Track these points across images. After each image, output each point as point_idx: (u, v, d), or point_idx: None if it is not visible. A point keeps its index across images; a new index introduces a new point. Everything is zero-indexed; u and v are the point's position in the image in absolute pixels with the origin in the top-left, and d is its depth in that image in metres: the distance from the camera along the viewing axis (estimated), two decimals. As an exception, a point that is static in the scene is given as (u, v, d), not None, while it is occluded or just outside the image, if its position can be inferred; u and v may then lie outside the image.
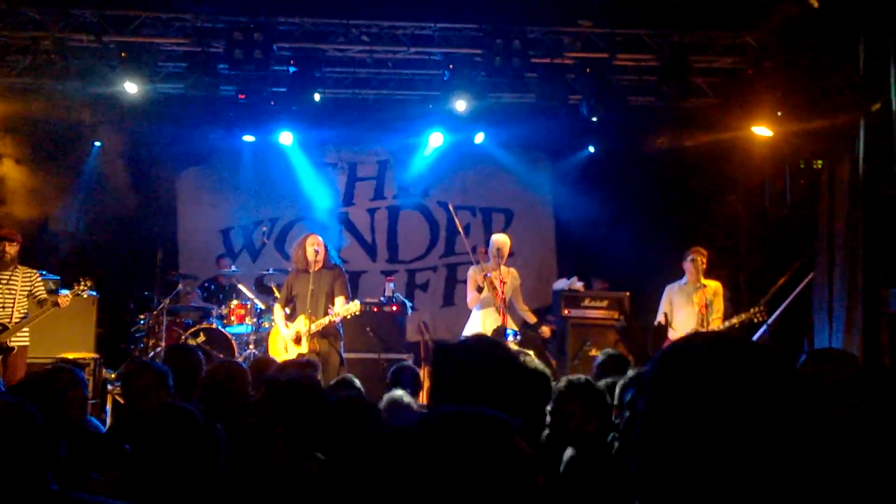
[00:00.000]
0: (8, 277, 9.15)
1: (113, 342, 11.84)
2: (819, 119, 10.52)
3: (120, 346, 11.85)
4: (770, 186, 12.36)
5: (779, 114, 11.01)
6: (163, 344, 11.13)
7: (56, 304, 9.16)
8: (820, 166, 11.49)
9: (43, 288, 9.42)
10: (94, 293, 10.74)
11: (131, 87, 10.82)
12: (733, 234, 12.47)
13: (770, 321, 10.06)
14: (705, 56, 11.10)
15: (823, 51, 10.10)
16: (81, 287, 9.64)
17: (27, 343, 9.28)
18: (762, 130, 11.15)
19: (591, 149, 12.99)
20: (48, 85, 10.91)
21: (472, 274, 9.96)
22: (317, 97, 11.10)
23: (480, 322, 9.76)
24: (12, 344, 9.05)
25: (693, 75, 11.14)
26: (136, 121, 11.98)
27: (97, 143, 12.63)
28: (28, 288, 9.26)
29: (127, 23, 10.51)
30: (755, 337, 10.40)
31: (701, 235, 11.26)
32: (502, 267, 9.76)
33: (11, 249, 9.17)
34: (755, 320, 9.77)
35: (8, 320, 9.06)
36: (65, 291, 9.83)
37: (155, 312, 11.37)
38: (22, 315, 9.16)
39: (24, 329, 9.20)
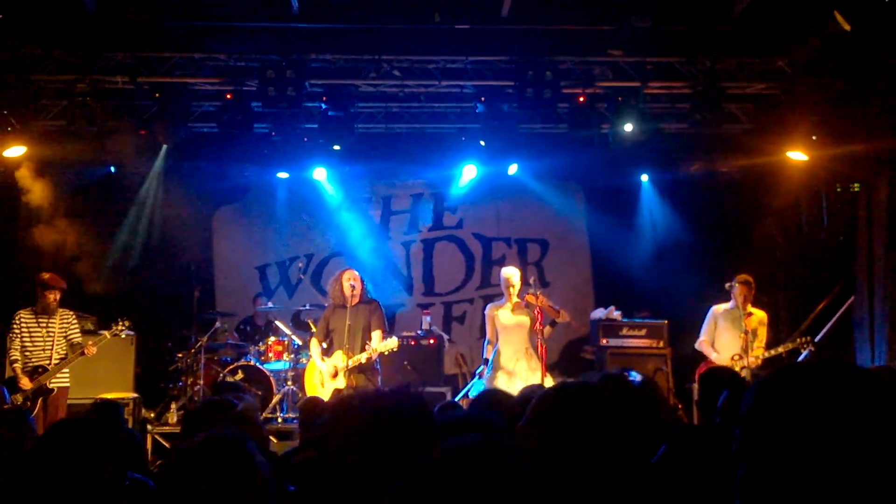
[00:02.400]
0: (47, 321, 9.28)
1: (152, 381, 11.89)
2: (854, 142, 10.45)
3: (159, 385, 11.87)
4: (807, 211, 12.29)
5: (814, 138, 10.93)
6: (201, 382, 11.17)
7: (82, 353, 9.25)
8: (857, 189, 11.39)
9: (78, 330, 9.55)
10: (132, 332, 10.80)
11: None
12: (771, 258, 12.36)
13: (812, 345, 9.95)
14: (738, 82, 11.02)
15: (857, 73, 10.03)
16: (119, 327, 9.76)
17: (67, 384, 9.39)
18: (797, 155, 11.07)
19: (645, 177, 12.79)
20: (83, 128, 11.03)
21: (490, 312, 9.73)
22: (336, 147, 11.17)
23: (501, 356, 9.52)
24: (52, 385, 9.16)
25: (726, 101, 11.07)
26: (171, 161, 12.08)
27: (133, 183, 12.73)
28: (65, 330, 9.39)
29: (160, 64, 10.61)
30: (798, 360, 10.29)
31: (738, 261, 11.16)
32: (515, 299, 9.54)
33: (54, 296, 9.33)
34: (801, 350, 9.68)
35: (47, 362, 9.17)
36: (102, 332, 9.91)
37: (193, 351, 11.40)
38: (61, 357, 9.24)
39: (64, 370, 9.27)
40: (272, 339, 11.63)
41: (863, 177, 11.14)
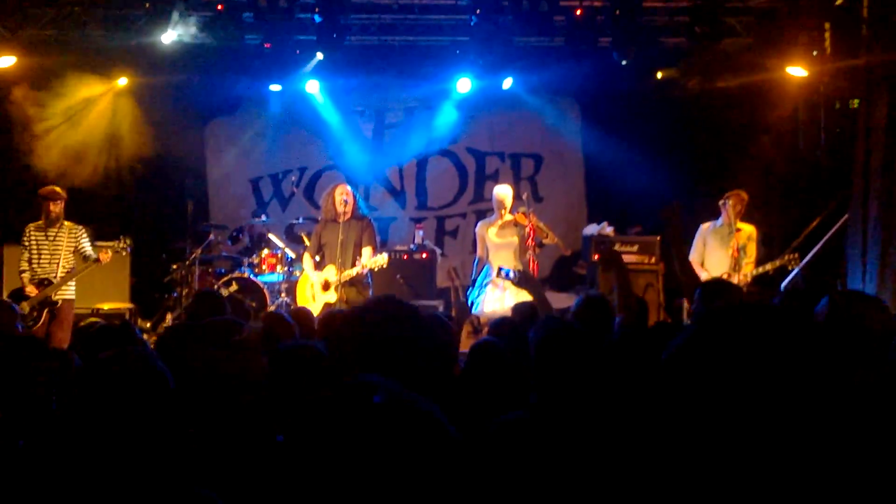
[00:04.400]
0: (54, 234, 9.39)
1: (147, 292, 12.04)
2: (855, 58, 10.32)
3: (154, 295, 12.02)
4: (804, 128, 12.19)
5: (814, 53, 10.79)
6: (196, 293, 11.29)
7: (97, 260, 9.36)
8: (856, 106, 11.29)
9: (89, 243, 9.62)
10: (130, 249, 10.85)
11: (170, 36, 10.88)
12: (766, 176, 12.30)
13: (802, 265, 9.97)
14: (739, -6, 10.87)
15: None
16: (121, 244, 9.85)
17: (73, 297, 9.53)
18: (797, 71, 10.94)
19: (659, 73, 12.41)
20: (72, 37, 10.92)
21: (480, 230, 9.80)
22: (319, 55, 10.97)
23: (491, 273, 9.56)
24: (56, 298, 9.30)
25: (726, 15, 10.92)
26: (162, 71, 11.95)
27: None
28: (74, 244, 9.48)
29: (152, -28, 10.45)
30: (786, 281, 10.33)
31: (733, 178, 11.12)
32: (507, 217, 9.58)
33: (56, 208, 9.38)
34: (789, 267, 9.72)
35: (53, 275, 9.31)
36: (102, 244, 9.98)
37: (187, 262, 11.49)
38: (67, 270, 9.39)
39: (70, 283, 9.42)
40: (266, 251, 11.67)
41: (862, 93, 11.01)
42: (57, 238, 9.37)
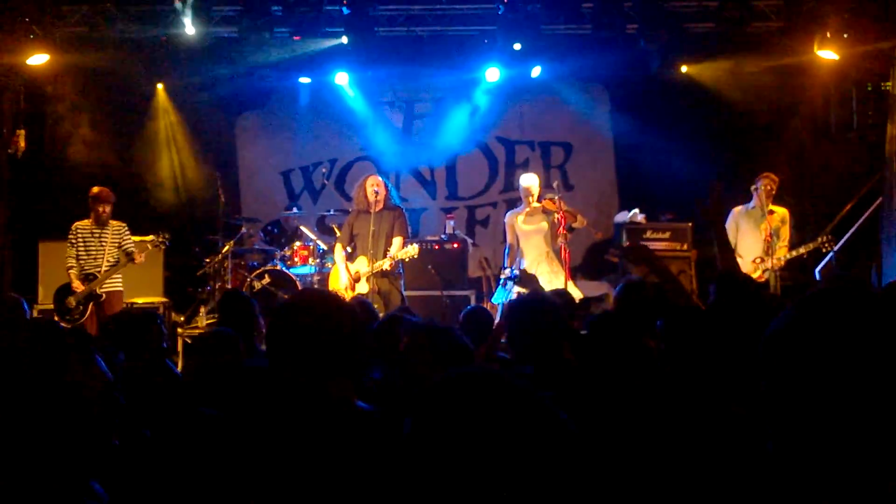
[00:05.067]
0: (100, 232, 9.67)
1: (180, 286, 12.12)
2: (887, 39, 10.23)
3: (187, 289, 12.09)
4: (836, 111, 12.10)
5: (845, 36, 10.69)
6: (229, 286, 11.34)
7: (132, 260, 9.62)
8: (889, 88, 11.19)
9: (131, 239, 9.86)
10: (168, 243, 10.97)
11: (190, 29, 10.95)
12: (799, 160, 12.22)
13: (836, 248, 9.90)
14: (768, -22, 10.79)
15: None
16: (160, 238, 10.05)
17: (120, 288, 9.83)
18: (828, 54, 10.85)
19: (684, 68, 12.42)
20: (104, 34, 11.02)
21: (509, 219, 9.85)
22: (344, 40, 11.00)
23: (523, 262, 9.63)
24: (101, 291, 9.56)
25: (755, -1, 10.86)
26: (193, 66, 12.04)
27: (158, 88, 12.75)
28: (118, 240, 9.74)
29: (181, -33, 10.52)
30: (821, 265, 10.26)
31: (765, 163, 11.06)
32: (534, 204, 9.60)
33: (107, 209, 9.67)
34: (823, 250, 9.65)
35: (98, 270, 9.57)
36: (143, 239, 10.15)
37: (220, 256, 11.56)
38: (111, 264, 9.64)
39: (117, 275, 9.70)
40: (298, 243, 11.73)
41: (894, 74, 10.92)
42: (103, 236, 9.66)
